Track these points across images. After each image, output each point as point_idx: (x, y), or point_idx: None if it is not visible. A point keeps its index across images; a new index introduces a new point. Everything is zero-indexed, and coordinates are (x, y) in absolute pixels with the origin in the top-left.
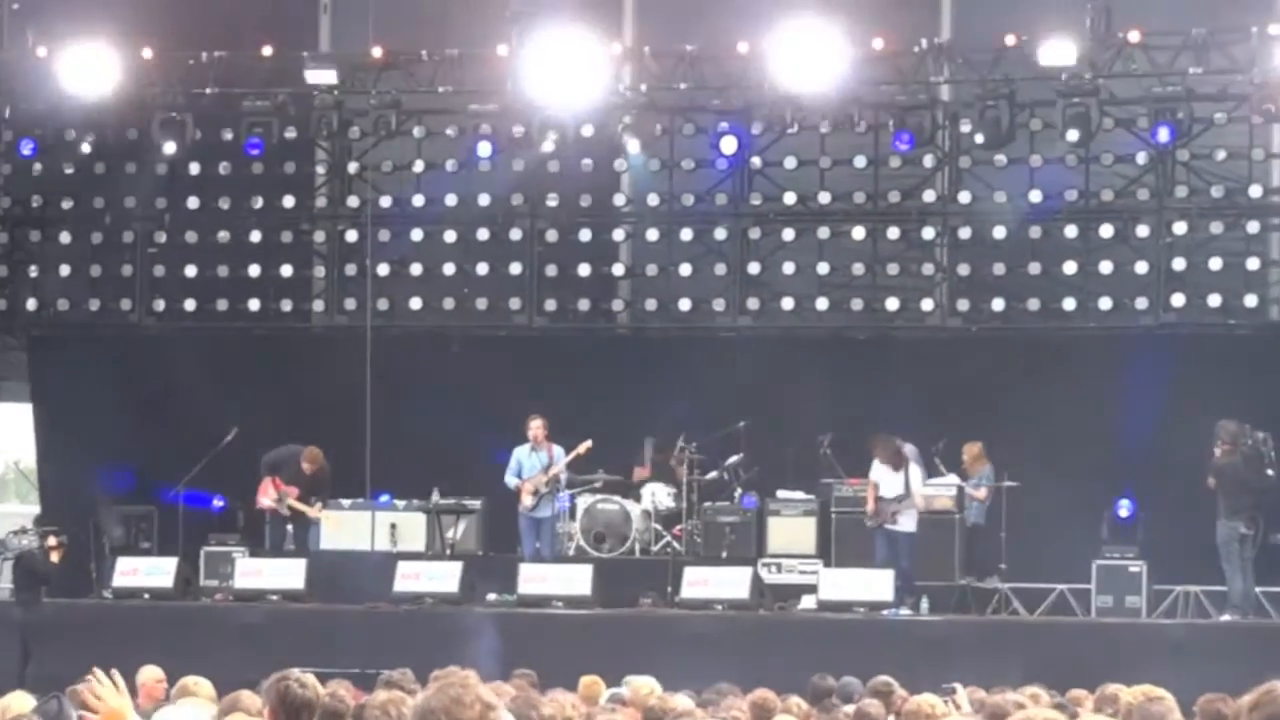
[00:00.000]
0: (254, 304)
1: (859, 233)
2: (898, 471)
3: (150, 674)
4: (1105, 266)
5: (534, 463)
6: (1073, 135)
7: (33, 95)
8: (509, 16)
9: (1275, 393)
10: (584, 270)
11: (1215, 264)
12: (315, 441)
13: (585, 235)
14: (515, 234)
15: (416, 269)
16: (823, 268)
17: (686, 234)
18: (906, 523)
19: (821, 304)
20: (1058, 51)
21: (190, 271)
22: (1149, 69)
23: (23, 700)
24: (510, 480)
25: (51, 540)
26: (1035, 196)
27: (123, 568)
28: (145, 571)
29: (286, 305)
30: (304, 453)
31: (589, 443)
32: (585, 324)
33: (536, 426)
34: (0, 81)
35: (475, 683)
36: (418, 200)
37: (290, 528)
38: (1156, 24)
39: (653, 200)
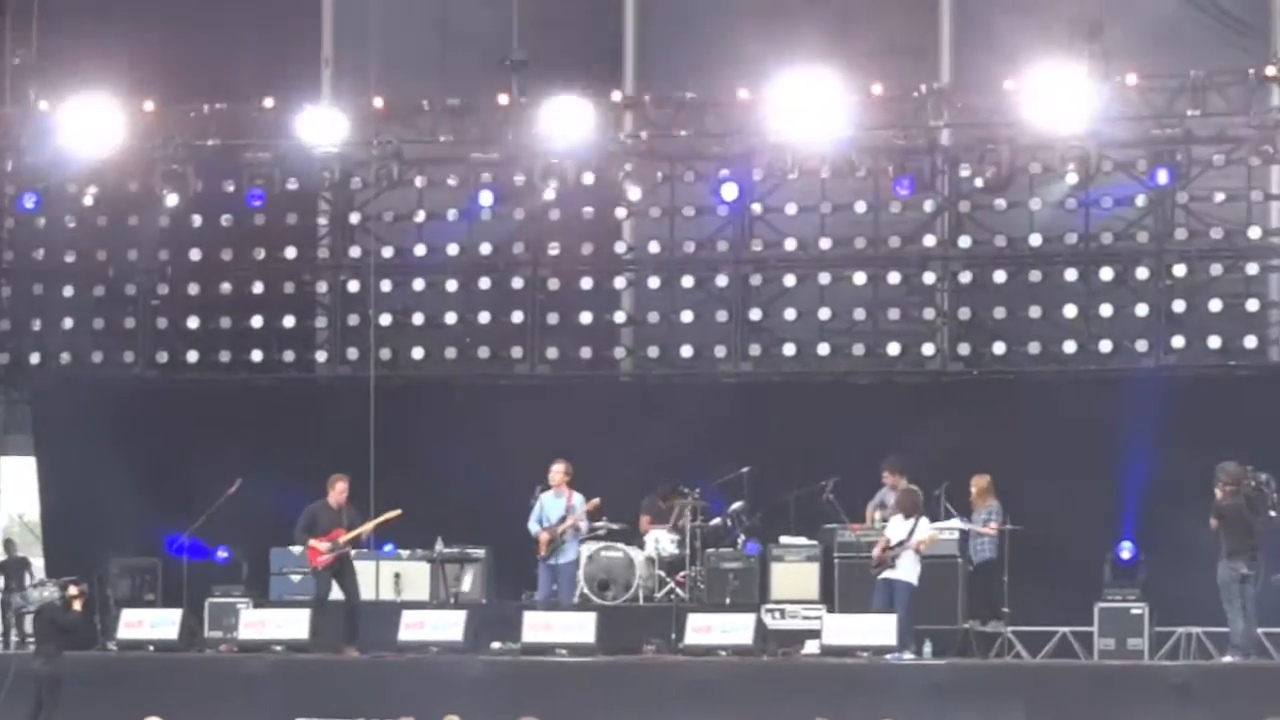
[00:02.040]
0: (257, 355)
1: (860, 278)
2: (908, 520)
3: None
4: (1105, 309)
5: (552, 508)
6: (1072, 179)
7: (35, 149)
8: (509, 66)
9: (1276, 434)
10: (586, 318)
11: (1215, 306)
12: (318, 491)
13: (587, 283)
14: (517, 282)
15: (419, 318)
16: (824, 313)
17: (688, 281)
18: (906, 571)
19: (823, 349)
20: (1056, 96)
21: (193, 323)
22: (1147, 111)
23: None
24: (532, 527)
25: (72, 590)
26: (1035, 240)
27: (128, 619)
28: (150, 623)
29: (289, 356)
30: (331, 485)
31: (596, 501)
32: (588, 371)
33: (558, 471)
34: (3, 135)
35: None
36: (420, 250)
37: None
38: (1153, 67)
39: (654, 248)
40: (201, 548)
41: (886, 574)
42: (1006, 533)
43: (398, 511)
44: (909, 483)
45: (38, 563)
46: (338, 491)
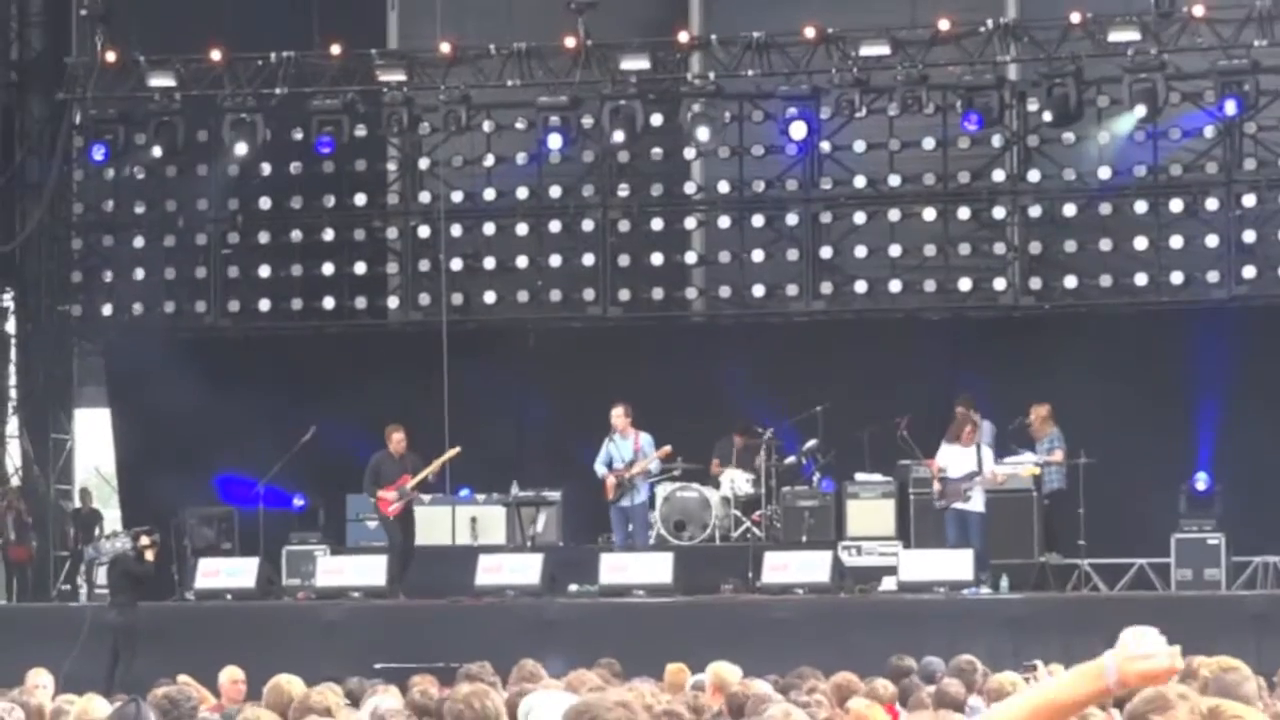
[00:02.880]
0: (329, 302)
1: (929, 214)
2: (968, 447)
3: (229, 674)
4: (1176, 241)
5: (618, 451)
6: (1140, 111)
7: (103, 100)
8: (575, 9)
9: None
10: (657, 259)
11: None
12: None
13: (657, 224)
14: (587, 225)
15: (490, 263)
16: (894, 250)
17: (758, 220)
18: (977, 502)
19: (894, 286)
20: (1122, 28)
21: (264, 272)
22: (1214, 42)
23: (99, 705)
24: (599, 469)
25: (144, 540)
26: (1104, 173)
27: (205, 569)
28: (227, 572)
29: (361, 303)
30: (388, 437)
31: (668, 448)
32: (660, 313)
33: (618, 415)
34: (70, 87)
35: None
36: (489, 194)
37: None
38: None
39: (723, 188)
40: (278, 495)
41: (958, 505)
42: (1081, 467)
43: (457, 450)
44: (981, 418)
45: (113, 514)
46: (395, 442)
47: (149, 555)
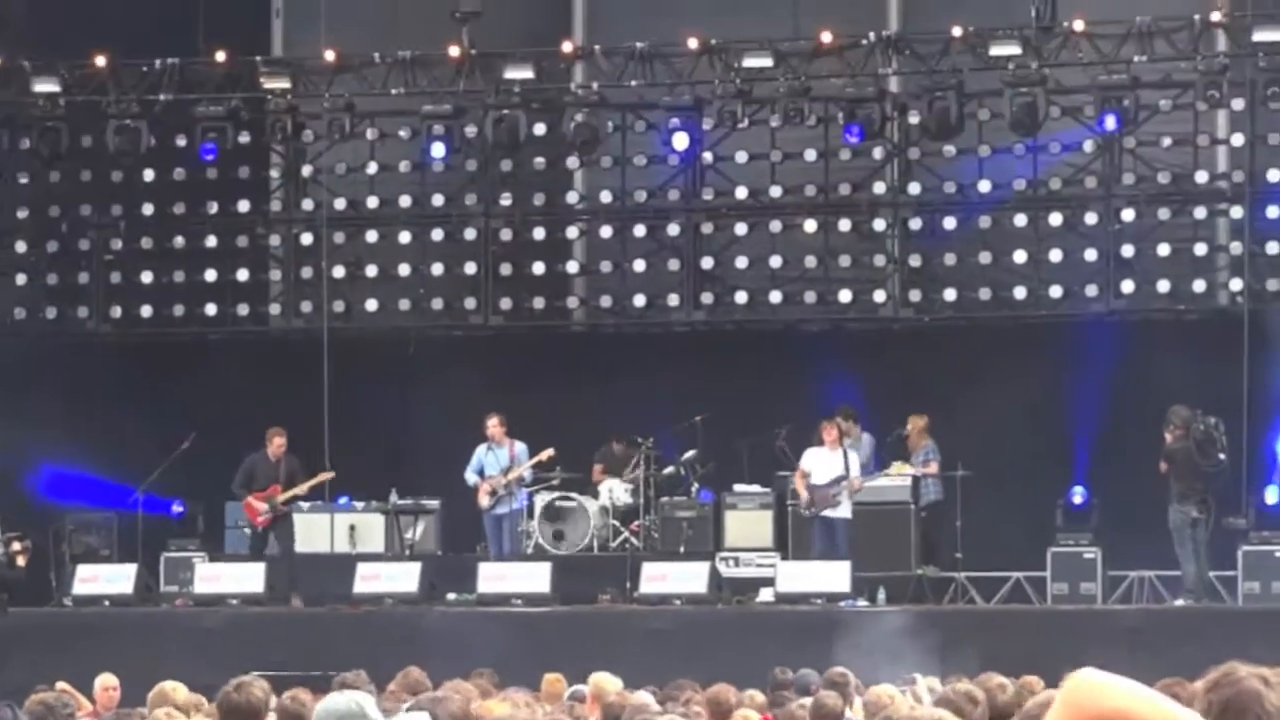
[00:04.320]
0: (211, 309)
1: (811, 225)
2: (834, 452)
3: (102, 681)
4: (1055, 255)
5: (494, 460)
6: (1020, 125)
7: None
8: (459, 18)
9: (1225, 377)
10: (538, 269)
11: (1164, 250)
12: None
13: (539, 234)
14: (470, 234)
15: (372, 271)
16: (775, 261)
17: (640, 230)
18: (845, 509)
19: (775, 297)
20: (1004, 43)
21: (147, 278)
22: (1094, 57)
23: None
24: (470, 478)
25: (15, 545)
26: (984, 186)
27: (82, 575)
28: (105, 578)
29: (243, 310)
30: (268, 440)
31: (551, 451)
32: (541, 322)
33: (493, 424)
34: None
35: None
36: (372, 202)
37: (272, 535)
38: (1100, 13)
39: (605, 198)
40: (157, 501)
41: (826, 512)
42: (959, 479)
43: (331, 474)
44: (861, 430)
45: None
46: (275, 445)
47: (20, 561)
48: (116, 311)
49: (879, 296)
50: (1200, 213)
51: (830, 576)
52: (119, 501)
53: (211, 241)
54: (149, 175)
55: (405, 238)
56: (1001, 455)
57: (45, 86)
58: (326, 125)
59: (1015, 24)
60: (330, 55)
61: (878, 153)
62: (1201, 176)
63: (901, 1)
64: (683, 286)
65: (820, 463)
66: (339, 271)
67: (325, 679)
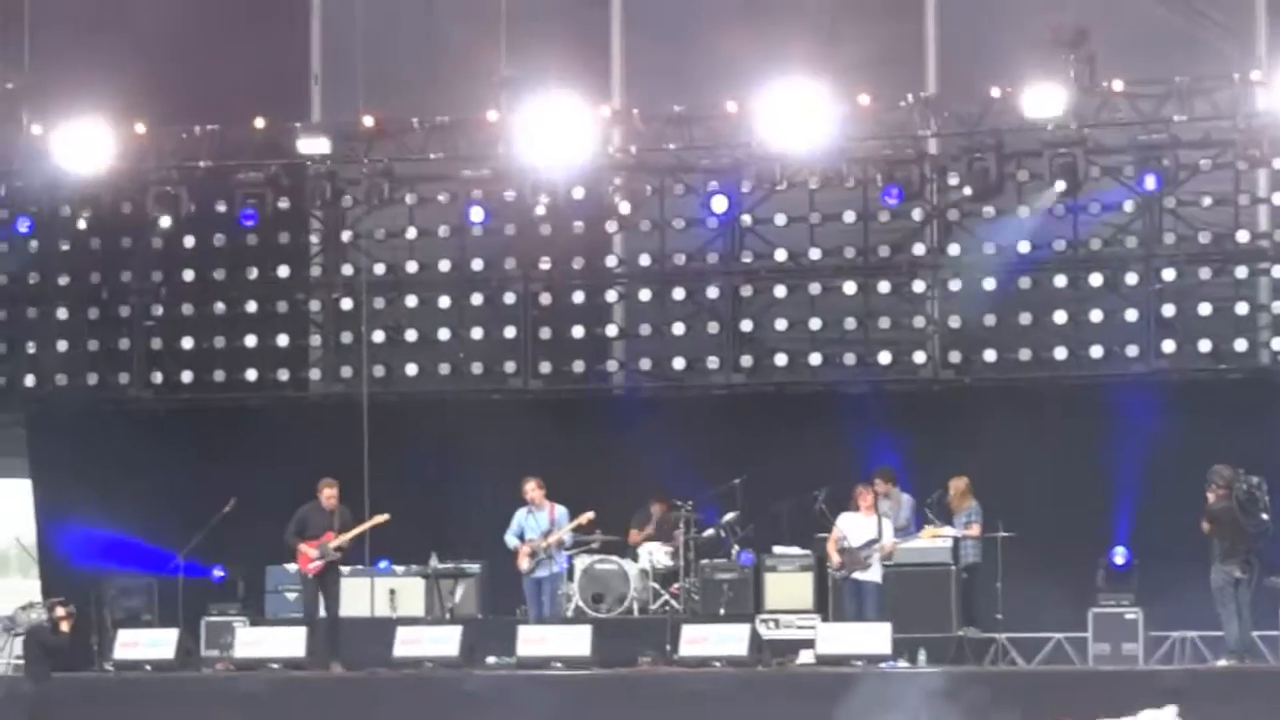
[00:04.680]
0: (251, 374)
1: (850, 287)
2: (869, 516)
3: None
4: (1095, 315)
5: (534, 524)
6: (1060, 185)
7: (28, 173)
8: (498, 82)
9: (1267, 437)
10: (578, 332)
11: (1204, 309)
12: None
13: (579, 297)
14: (509, 298)
15: (412, 335)
16: (815, 323)
17: (679, 293)
18: (875, 572)
19: (815, 359)
20: (1043, 102)
21: (187, 344)
22: (1134, 117)
23: None
24: (510, 541)
25: (60, 611)
26: (1024, 247)
27: (124, 640)
28: (146, 643)
29: (283, 375)
30: (319, 490)
31: (590, 514)
32: (580, 385)
33: (531, 488)
34: None
35: None
36: (412, 266)
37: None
38: (1140, 73)
39: (644, 261)
40: (197, 567)
41: (857, 575)
42: (999, 540)
43: (386, 516)
44: (901, 492)
45: (33, 585)
46: (326, 496)
47: (64, 627)
48: (157, 377)
49: (919, 358)
50: (1241, 272)
51: (871, 638)
52: (160, 566)
53: (251, 307)
54: (189, 241)
55: (445, 302)
56: (1042, 516)
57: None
58: (365, 190)
59: (1054, 85)
60: (369, 121)
61: (917, 214)
62: (1243, 236)
63: (940, 62)
64: (722, 349)
65: (855, 527)
66: (379, 336)
67: None
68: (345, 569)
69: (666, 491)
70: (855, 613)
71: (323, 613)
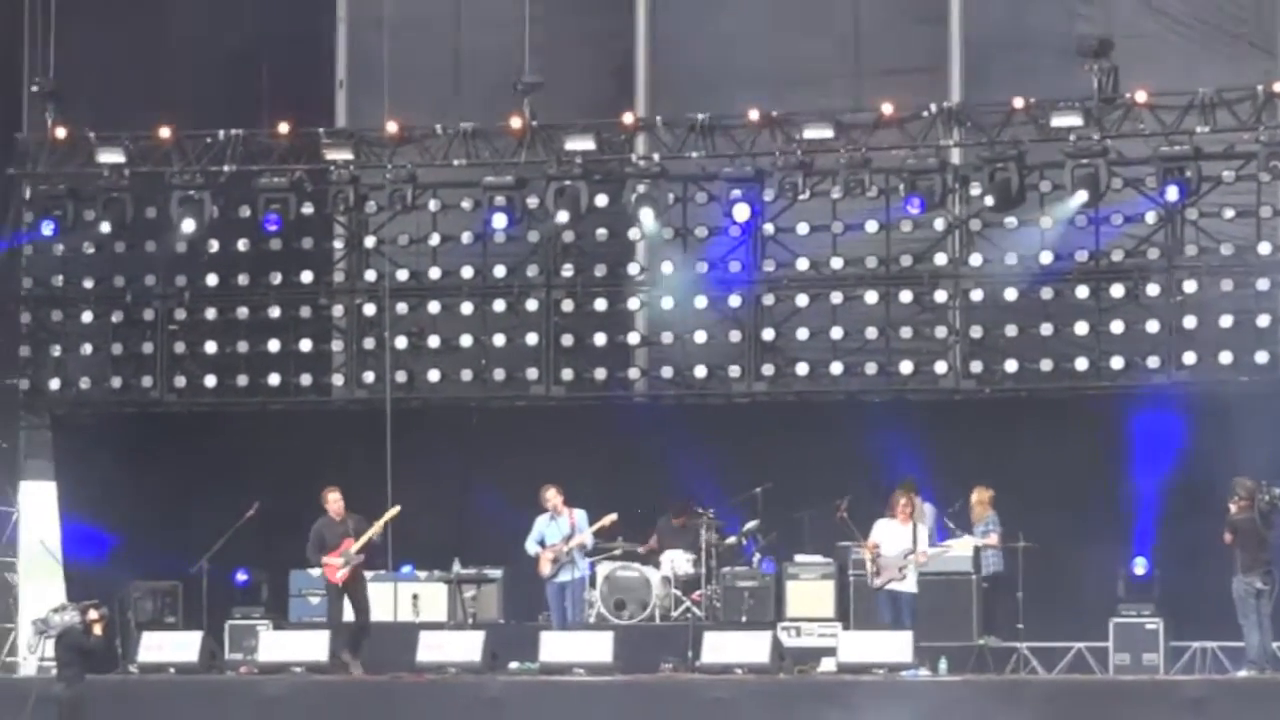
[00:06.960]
0: (274, 379)
1: (872, 297)
2: (905, 525)
3: None
4: (1117, 326)
5: (554, 531)
6: (1082, 196)
7: (53, 176)
8: (521, 90)
9: None
10: (600, 339)
11: (1226, 321)
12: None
13: (601, 305)
14: (531, 305)
15: (434, 341)
16: (836, 332)
17: (701, 302)
18: (910, 582)
19: (836, 368)
20: (1065, 114)
21: (210, 348)
22: (1156, 128)
23: None
24: (531, 547)
25: (92, 614)
26: (1046, 258)
27: (148, 642)
28: (170, 646)
29: (306, 380)
30: (324, 500)
31: (614, 516)
32: (602, 393)
33: (550, 495)
34: (21, 163)
35: None
36: (434, 273)
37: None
38: (1162, 84)
39: (667, 269)
40: (221, 570)
41: (893, 585)
42: (1020, 550)
43: (397, 508)
44: (923, 501)
45: (58, 587)
46: (332, 503)
47: (97, 630)
48: (180, 381)
49: (940, 368)
50: (1263, 284)
51: (892, 646)
52: (184, 570)
53: (275, 312)
54: (213, 246)
55: (467, 308)
56: (1063, 526)
57: (110, 158)
58: (389, 196)
59: (1077, 95)
60: (393, 127)
61: (939, 224)
62: (1264, 248)
63: (963, 73)
64: (744, 358)
65: (890, 535)
66: (401, 342)
67: None
68: (369, 574)
69: (686, 503)
70: (891, 623)
71: (351, 617)
